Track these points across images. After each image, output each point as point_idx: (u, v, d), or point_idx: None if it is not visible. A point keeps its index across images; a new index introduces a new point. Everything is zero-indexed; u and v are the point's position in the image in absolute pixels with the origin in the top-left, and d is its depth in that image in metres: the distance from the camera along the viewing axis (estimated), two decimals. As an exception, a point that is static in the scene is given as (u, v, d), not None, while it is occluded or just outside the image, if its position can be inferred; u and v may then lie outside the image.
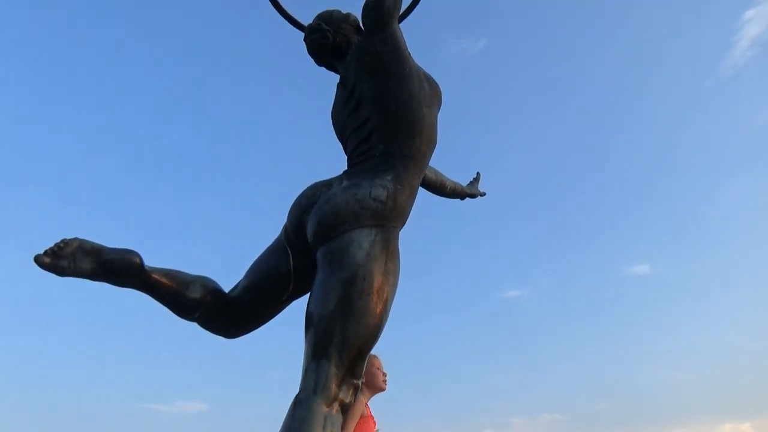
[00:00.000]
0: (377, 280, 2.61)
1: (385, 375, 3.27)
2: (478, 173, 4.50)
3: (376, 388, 3.08)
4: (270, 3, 3.83)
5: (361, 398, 3.00)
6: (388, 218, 2.80)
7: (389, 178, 2.88)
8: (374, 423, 3.00)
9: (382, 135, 3.00)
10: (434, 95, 3.22)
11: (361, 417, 2.85)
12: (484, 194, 4.44)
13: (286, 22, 3.85)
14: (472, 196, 4.35)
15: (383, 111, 3.01)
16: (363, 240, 2.66)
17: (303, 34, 3.61)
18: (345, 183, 2.90)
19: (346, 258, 2.61)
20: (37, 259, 2.52)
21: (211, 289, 2.98)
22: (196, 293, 2.91)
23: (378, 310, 2.59)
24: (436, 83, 3.29)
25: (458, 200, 4.26)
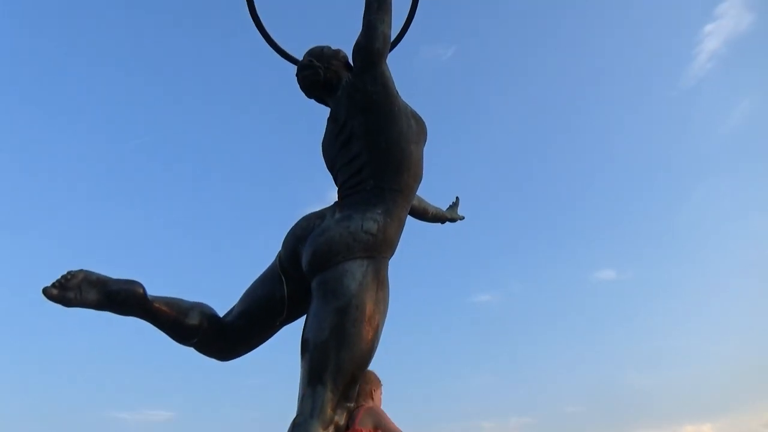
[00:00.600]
0: (369, 309, 2.79)
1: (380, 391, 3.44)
2: (456, 198, 4.72)
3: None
4: (264, 38, 4.01)
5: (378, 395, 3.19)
6: (379, 250, 2.99)
7: (379, 211, 3.07)
8: None
9: (373, 170, 3.18)
10: (420, 132, 3.43)
11: None
12: (463, 218, 4.67)
13: (280, 56, 4.03)
14: (452, 220, 4.57)
15: (373, 148, 3.19)
16: (356, 271, 2.84)
17: (295, 67, 3.79)
18: (338, 215, 3.07)
19: (340, 288, 2.78)
20: (45, 291, 2.63)
21: (208, 315, 3.12)
22: (194, 320, 3.04)
23: (369, 337, 2.77)
24: (422, 120, 3.49)
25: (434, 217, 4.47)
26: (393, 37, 3.80)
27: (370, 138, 3.20)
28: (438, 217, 4.42)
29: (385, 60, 3.33)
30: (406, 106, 3.41)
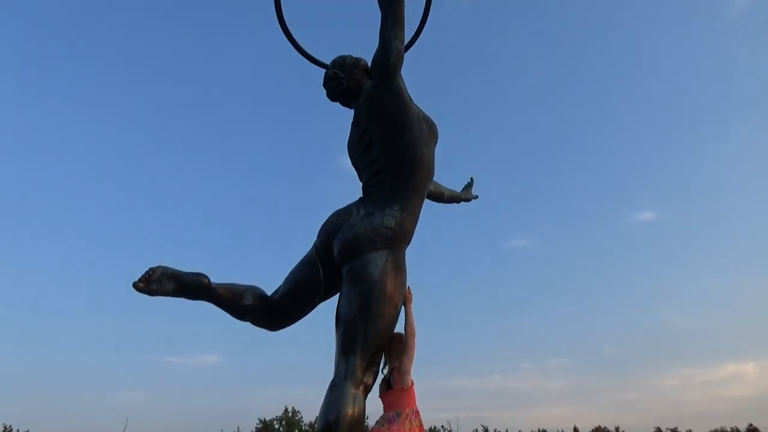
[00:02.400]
0: (390, 291, 3.41)
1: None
2: (471, 179, 5.23)
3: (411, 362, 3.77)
4: (293, 47, 4.50)
5: (412, 344, 3.67)
6: (397, 241, 3.59)
7: (397, 208, 3.64)
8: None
9: (390, 172, 3.73)
10: (431, 134, 3.93)
11: (412, 386, 3.56)
12: (477, 197, 5.19)
13: (309, 62, 4.53)
14: (467, 199, 5.11)
15: (390, 152, 3.73)
16: (378, 260, 3.45)
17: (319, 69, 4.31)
18: (362, 212, 3.66)
19: (365, 275, 3.41)
20: (135, 285, 3.33)
21: (258, 296, 3.79)
22: (248, 301, 3.73)
23: (390, 314, 3.42)
24: (433, 123, 3.99)
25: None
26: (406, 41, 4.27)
27: (388, 144, 3.73)
28: (453, 198, 4.96)
29: (400, 72, 3.80)
30: (419, 111, 3.90)
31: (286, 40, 4.52)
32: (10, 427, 54.14)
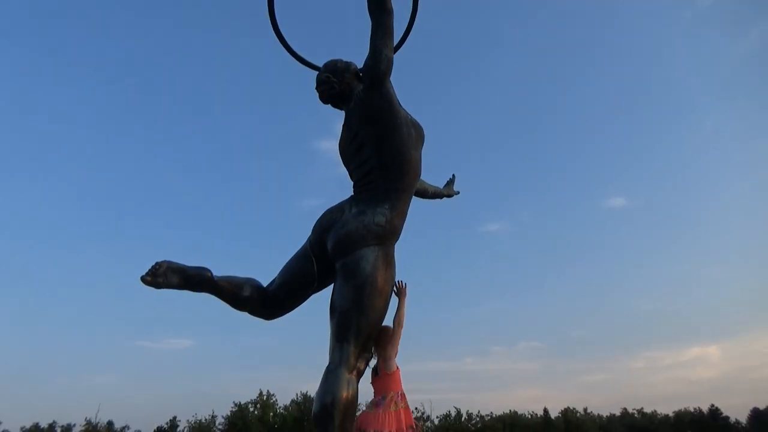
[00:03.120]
0: (380, 284, 3.71)
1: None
2: (453, 175, 5.53)
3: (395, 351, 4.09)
4: (286, 50, 4.70)
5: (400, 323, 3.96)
6: (387, 238, 3.87)
7: (387, 207, 3.92)
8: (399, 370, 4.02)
9: (381, 172, 4.00)
10: (419, 137, 4.20)
11: (396, 371, 3.88)
12: (458, 193, 5.50)
13: (301, 64, 4.74)
14: (449, 195, 5.42)
15: (381, 154, 4.00)
16: (369, 255, 3.73)
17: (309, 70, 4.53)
18: (354, 210, 3.93)
19: (357, 270, 3.69)
20: (143, 279, 3.55)
21: (256, 287, 4.05)
22: (247, 292, 3.98)
23: (381, 305, 3.72)
24: (420, 126, 4.26)
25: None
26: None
27: (378, 146, 4.00)
28: (436, 194, 5.26)
29: (389, 78, 4.05)
30: (407, 115, 4.16)
31: (279, 43, 4.72)
32: (-22, 412, 53.47)
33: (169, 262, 3.69)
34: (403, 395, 3.77)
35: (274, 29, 4.69)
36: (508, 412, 77.10)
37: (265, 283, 4.17)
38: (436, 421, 71.04)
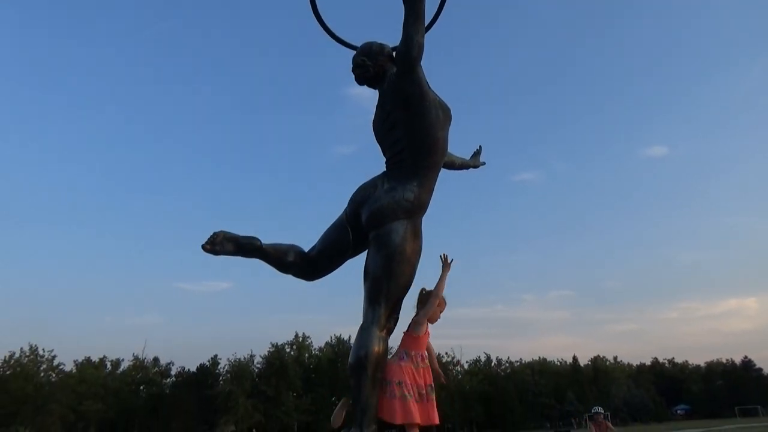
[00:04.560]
0: (408, 254, 4.16)
1: (442, 311, 4.41)
2: (479, 146, 5.85)
3: (433, 319, 4.54)
4: (326, 32, 5.04)
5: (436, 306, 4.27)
6: (415, 212, 4.30)
7: (415, 183, 4.33)
8: (428, 336, 4.49)
9: (410, 151, 4.38)
10: (446, 118, 4.54)
11: (423, 335, 4.36)
12: (484, 164, 5.84)
13: (340, 44, 5.08)
14: (475, 166, 5.76)
15: (411, 135, 4.36)
16: (399, 228, 4.17)
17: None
18: (386, 186, 4.34)
19: (388, 241, 4.14)
20: (203, 247, 4.08)
21: (299, 253, 4.55)
22: (291, 258, 4.49)
23: (408, 272, 4.18)
24: (447, 107, 4.59)
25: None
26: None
27: (409, 127, 4.36)
28: (463, 166, 5.61)
29: (420, 64, 4.35)
30: (435, 98, 4.48)
31: (319, 25, 5.05)
32: (35, 346, 57.48)
33: (225, 232, 4.20)
34: (424, 357, 4.24)
35: (314, 13, 5.01)
36: (537, 358, 78.66)
37: (306, 248, 4.67)
38: (466, 366, 73.08)
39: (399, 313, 4.28)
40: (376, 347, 3.93)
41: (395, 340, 4.30)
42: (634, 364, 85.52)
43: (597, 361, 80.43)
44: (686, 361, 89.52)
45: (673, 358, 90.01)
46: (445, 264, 4.38)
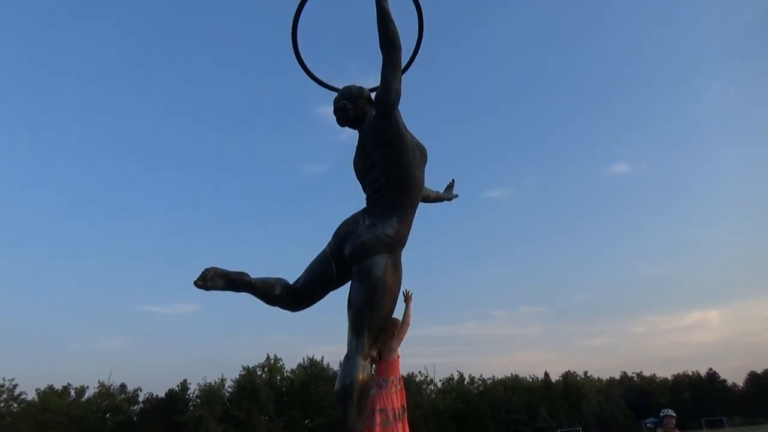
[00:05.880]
0: (389, 286, 4.45)
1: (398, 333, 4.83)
2: (452, 180, 6.22)
3: (399, 342, 4.86)
4: (307, 75, 5.34)
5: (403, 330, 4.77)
6: (395, 246, 4.60)
7: (395, 219, 4.63)
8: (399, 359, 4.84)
9: (389, 190, 4.69)
10: (422, 158, 4.88)
11: (395, 360, 4.70)
12: (457, 196, 6.20)
13: (322, 87, 5.39)
14: (449, 199, 6.12)
15: (389, 174, 4.68)
16: (380, 262, 4.46)
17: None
18: (367, 222, 4.63)
19: (370, 274, 4.42)
20: (195, 283, 4.29)
21: (285, 286, 4.79)
22: (277, 291, 4.73)
23: (389, 304, 4.47)
24: (424, 148, 4.93)
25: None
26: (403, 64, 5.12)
27: (387, 167, 4.67)
28: (438, 199, 5.96)
29: (397, 107, 4.68)
30: (412, 139, 4.81)
31: (300, 68, 5.36)
32: (-4, 376, 55.46)
33: (216, 268, 4.43)
34: (400, 379, 4.60)
35: (296, 55, 5.31)
36: (509, 375, 79.23)
37: (291, 280, 4.92)
38: (439, 384, 73.16)
39: (382, 342, 4.55)
40: (361, 375, 4.18)
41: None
42: (604, 378, 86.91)
43: (568, 377, 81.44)
44: (654, 374, 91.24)
45: (642, 371, 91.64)
46: (407, 298, 4.85)
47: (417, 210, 4.95)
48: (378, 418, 4.34)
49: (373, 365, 4.49)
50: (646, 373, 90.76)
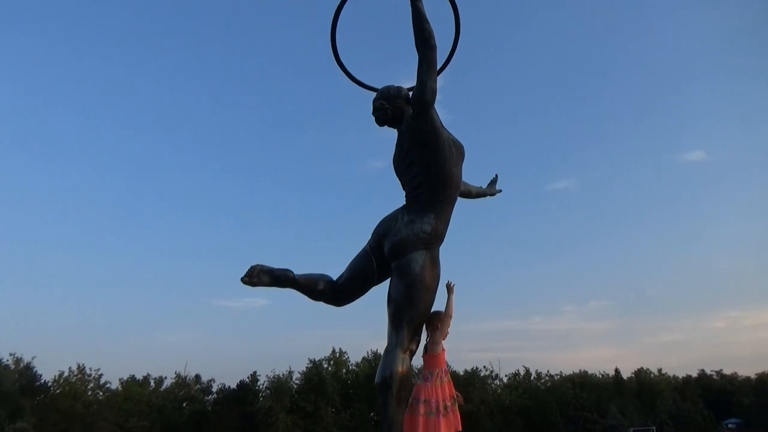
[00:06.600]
0: (427, 282, 4.55)
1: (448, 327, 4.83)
2: (495, 175, 6.21)
3: (445, 335, 4.92)
4: (344, 73, 5.50)
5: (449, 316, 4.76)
6: (433, 243, 4.69)
7: (432, 216, 4.72)
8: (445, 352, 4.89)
9: (427, 186, 4.78)
10: (459, 155, 4.94)
11: (440, 353, 4.77)
12: (500, 191, 6.20)
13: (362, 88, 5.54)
14: (492, 194, 6.12)
15: (427, 171, 4.77)
16: (418, 258, 4.57)
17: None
18: (406, 219, 4.75)
19: (408, 270, 4.54)
20: (242, 280, 4.55)
21: (328, 282, 4.99)
22: (321, 286, 4.93)
23: (428, 299, 4.57)
24: (460, 144, 4.98)
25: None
26: (440, 64, 5.20)
27: (425, 165, 4.77)
28: (480, 194, 5.99)
29: (433, 106, 4.75)
30: (449, 136, 4.88)
31: (341, 70, 5.52)
32: (83, 365, 59.50)
33: (261, 266, 4.68)
34: (446, 371, 4.66)
35: (335, 57, 5.48)
36: (578, 371, 77.09)
37: (334, 276, 5.11)
38: (505, 380, 72.17)
39: (421, 335, 4.66)
40: (400, 368, 4.32)
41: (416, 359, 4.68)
42: (680, 376, 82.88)
43: (641, 374, 78.27)
44: (735, 372, 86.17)
45: (722, 369, 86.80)
46: (450, 289, 4.80)
47: (457, 205, 5.01)
48: (422, 409, 4.44)
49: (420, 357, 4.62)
50: (727, 371, 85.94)
